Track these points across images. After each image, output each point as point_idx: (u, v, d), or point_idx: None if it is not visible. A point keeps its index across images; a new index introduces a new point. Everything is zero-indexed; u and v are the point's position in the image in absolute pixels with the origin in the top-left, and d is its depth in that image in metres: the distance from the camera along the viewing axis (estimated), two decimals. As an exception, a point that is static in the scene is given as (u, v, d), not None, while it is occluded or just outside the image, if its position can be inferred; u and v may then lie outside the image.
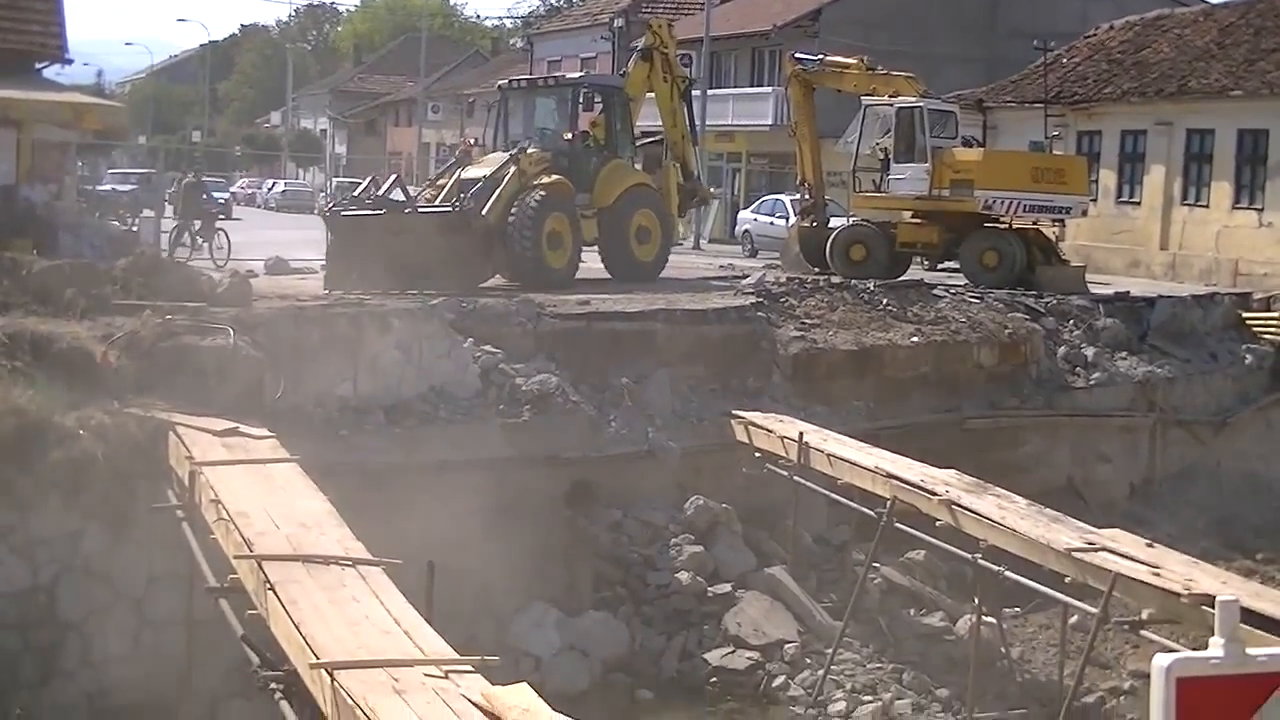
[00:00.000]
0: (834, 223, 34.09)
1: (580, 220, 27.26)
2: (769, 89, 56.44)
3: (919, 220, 32.25)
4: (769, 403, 22.25)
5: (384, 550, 12.40)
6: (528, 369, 20.64)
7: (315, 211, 49.03)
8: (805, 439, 19.90)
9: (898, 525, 18.04)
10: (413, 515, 17.46)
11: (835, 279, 27.82)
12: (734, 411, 21.60)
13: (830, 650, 18.45)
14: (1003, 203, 30.74)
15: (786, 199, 44.18)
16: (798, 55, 35.21)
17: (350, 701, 8.77)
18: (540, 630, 18.29)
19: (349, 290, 22.17)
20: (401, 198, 26.62)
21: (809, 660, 18.72)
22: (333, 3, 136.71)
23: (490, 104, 31.48)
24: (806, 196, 34.95)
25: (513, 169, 26.34)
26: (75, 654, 15.97)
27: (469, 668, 9.53)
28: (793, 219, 39.44)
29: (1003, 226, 31.25)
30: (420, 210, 25.96)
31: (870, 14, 52.81)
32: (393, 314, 19.95)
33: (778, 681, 18.40)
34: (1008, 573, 16.35)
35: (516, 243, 25.78)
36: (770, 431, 20.79)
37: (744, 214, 49.74)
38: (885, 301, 25.73)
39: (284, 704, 10.32)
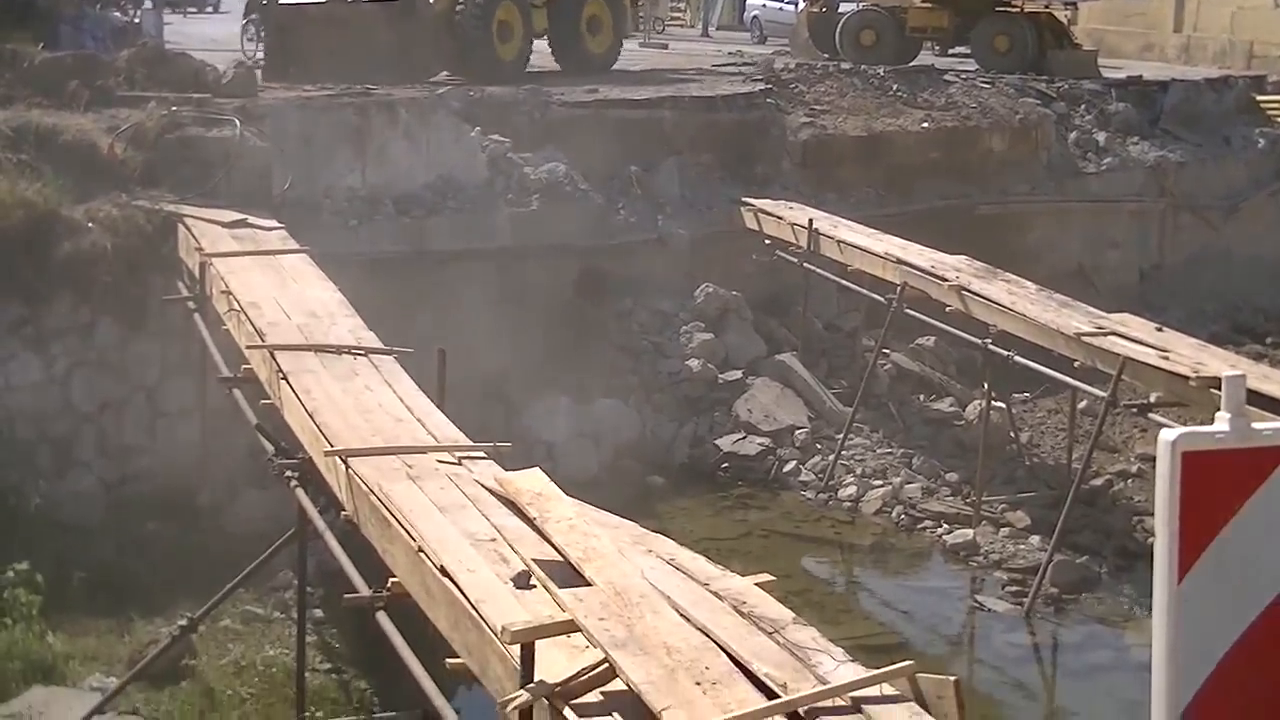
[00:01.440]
0: (844, 8, 33.63)
1: (531, 10, 25.67)
2: None
3: (930, 5, 31.79)
4: (779, 190, 22.16)
5: (395, 340, 12.44)
6: (536, 158, 20.51)
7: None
8: (815, 226, 19.85)
9: (908, 311, 18.08)
10: (423, 305, 17.52)
11: (845, 65, 27.55)
12: (743, 199, 21.51)
13: (840, 436, 18.59)
14: (1014, -15, 30.34)
15: (795, -16, 43.58)
16: None
17: (364, 488, 8.84)
18: (551, 417, 18.40)
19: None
20: None
21: (819, 446, 18.87)
22: None
23: None
24: (816, -20, 34.44)
25: None
26: (91, 445, 16.11)
27: (481, 454, 9.60)
28: (802, 4, 38.92)
29: (1015, 10, 30.81)
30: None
31: None
32: (400, 103, 19.78)
33: (788, 467, 18.57)
34: (1017, 357, 16.43)
35: (466, 33, 24.28)
36: (780, 219, 20.73)
37: (752, 0, 49.11)
38: (895, 87, 25.52)
39: (299, 491, 10.41)
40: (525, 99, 21.50)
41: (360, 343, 12.19)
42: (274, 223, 16.52)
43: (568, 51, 26.52)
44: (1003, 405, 18.38)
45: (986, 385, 17.74)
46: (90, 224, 16.02)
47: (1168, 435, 3.34)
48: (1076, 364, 15.68)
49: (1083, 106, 26.85)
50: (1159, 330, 15.64)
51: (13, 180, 15.72)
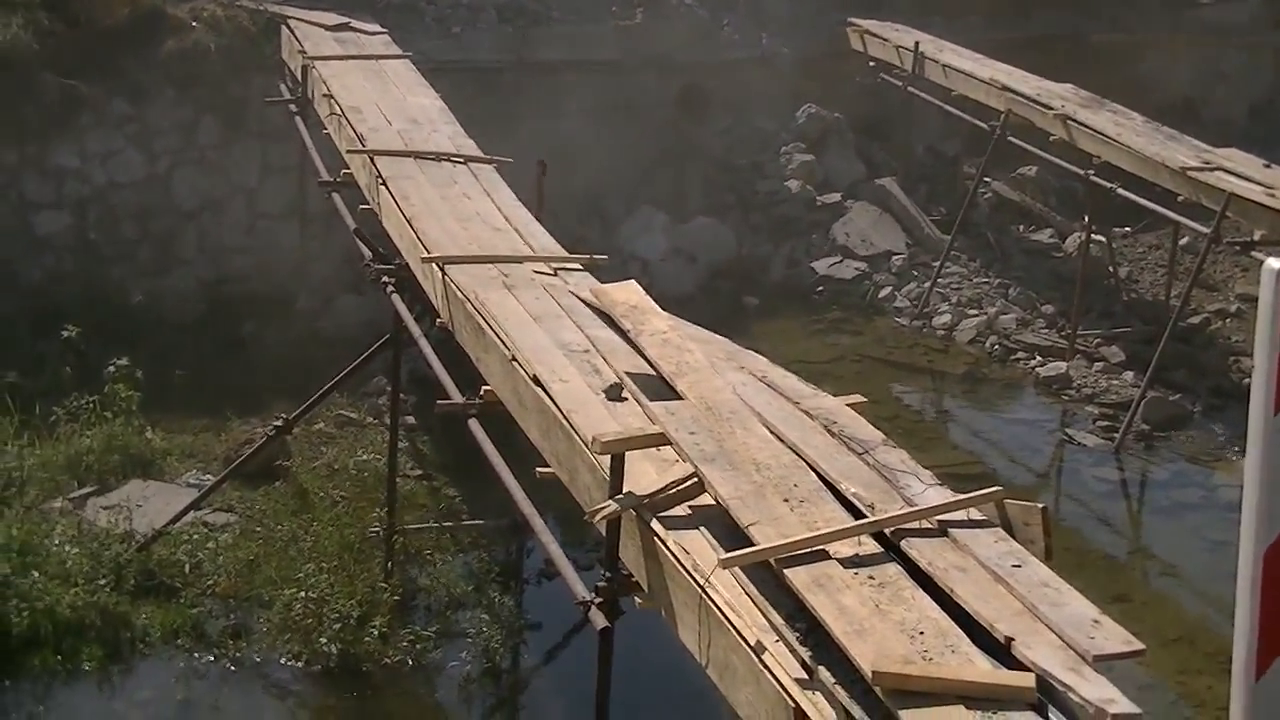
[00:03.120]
0: None
1: None
2: None
3: None
4: (886, 12, 21.77)
5: (495, 149, 12.41)
6: (642, -31, 20.28)
7: None
8: (921, 49, 19.57)
9: (1010, 139, 17.83)
10: (524, 115, 17.46)
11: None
12: (850, 19, 21.19)
13: (937, 263, 18.47)
14: None
15: None
16: None
17: (460, 295, 8.86)
18: (648, 233, 18.37)
19: None
20: None
21: (915, 272, 18.76)
22: None
23: None
24: None
25: None
26: (192, 243, 16.26)
27: (577, 266, 9.60)
28: None
29: None
30: None
31: None
32: (506, -91, 19.57)
33: (884, 292, 18.48)
34: (1120, 190, 16.21)
35: None
36: (886, 40, 20.44)
37: None
38: (1010, -92, 24.94)
39: (395, 297, 10.46)
40: (632, -91, 21.21)
41: (460, 151, 12.17)
42: (377, 27, 16.47)
43: None
44: (1102, 238, 18.18)
45: (1087, 217, 17.53)
46: (195, 23, 16.03)
47: (1274, 263, 3.28)
48: (1180, 199, 15.46)
49: (1202, -65, 26.16)
50: (1267, 167, 15.35)
51: (118, -25, 15.74)
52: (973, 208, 19.03)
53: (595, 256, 9.87)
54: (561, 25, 19.08)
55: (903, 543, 5.58)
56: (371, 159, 11.62)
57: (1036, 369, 16.94)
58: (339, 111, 13.00)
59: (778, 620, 5.24)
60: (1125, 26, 23.63)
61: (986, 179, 19.50)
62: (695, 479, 6.18)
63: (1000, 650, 4.84)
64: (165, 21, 15.95)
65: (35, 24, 14.91)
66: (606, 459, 6.33)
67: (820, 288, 18.56)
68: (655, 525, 6.07)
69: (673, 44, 19.76)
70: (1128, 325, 17.80)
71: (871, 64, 20.59)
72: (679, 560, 5.85)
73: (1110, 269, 18.62)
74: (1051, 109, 17.17)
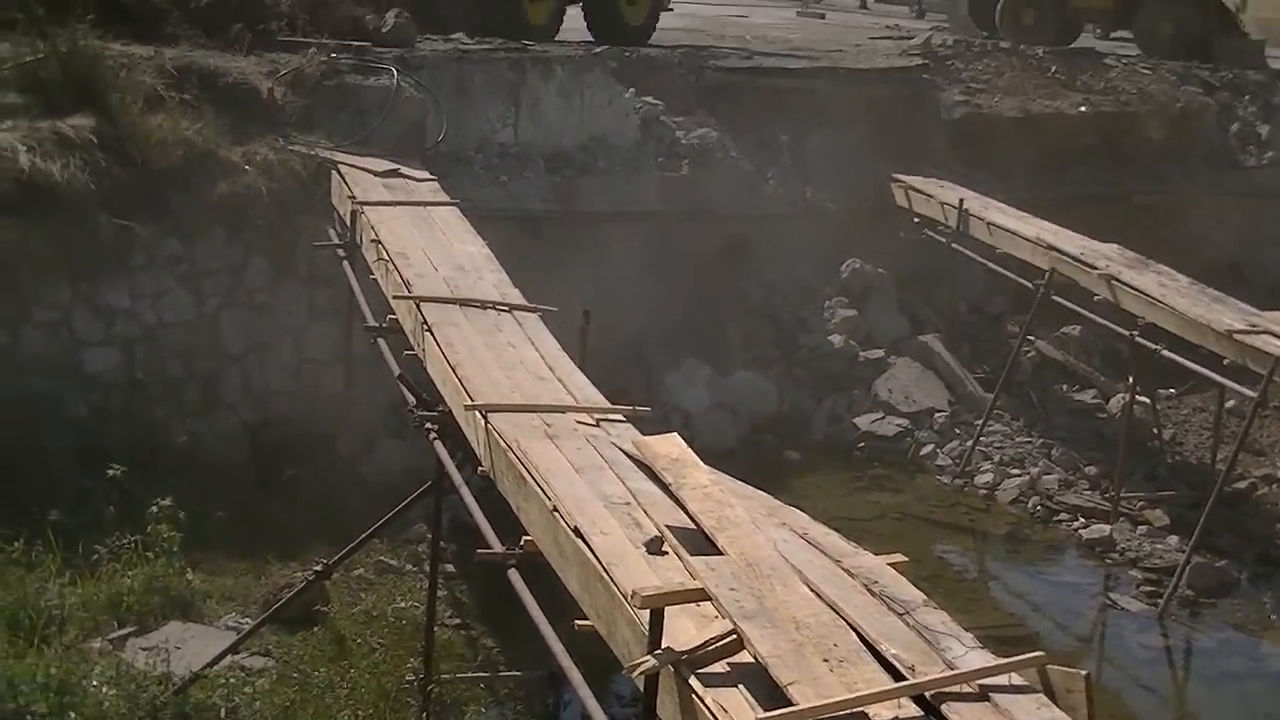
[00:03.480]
0: (1006, -15, 33.24)
1: None
2: None
3: (1094, -15, 31.34)
4: (930, 167, 21.92)
5: (540, 297, 12.46)
6: (688, 122, 20.49)
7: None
8: (965, 205, 19.67)
9: (1055, 298, 17.86)
10: (569, 264, 17.56)
11: (1004, 43, 27.22)
12: (894, 174, 21.33)
13: (980, 421, 18.42)
14: (1183, -30, 29.78)
15: (958, -41, 43.16)
16: None
17: (503, 444, 8.88)
18: (691, 386, 18.39)
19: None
20: None
21: (958, 430, 18.73)
22: None
23: None
24: (980, -41, 34.05)
25: None
26: (237, 385, 16.33)
27: (620, 417, 9.61)
28: (964, -18, 38.55)
29: (1182, -6, 30.28)
30: None
31: None
32: (556, 60, 19.83)
33: (926, 449, 18.43)
34: (1165, 351, 16.18)
35: None
36: (930, 196, 20.55)
37: (914, -26, 48.70)
38: (1054, 68, 25.14)
39: (437, 444, 10.48)
40: (680, 62, 21.47)
41: (505, 298, 12.23)
42: (426, 174, 16.62)
43: (603, 21, 24.34)
44: (1147, 400, 18.13)
45: (1131, 378, 17.48)
46: (247, 166, 16.21)
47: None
48: (1226, 361, 15.43)
49: (1247, 97, 26.26)
50: (1314, 331, 15.32)
51: (175, 119, 15.93)
52: (1016, 366, 19.02)
53: (638, 409, 9.88)
54: (608, 176, 19.27)
55: (943, 706, 5.53)
56: (417, 305, 11.69)
57: (1079, 531, 16.83)
58: (386, 257, 13.10)
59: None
60: (1171, 186, 23.74)
61: (1030, 337, 19.49)
62: (734, 636, 6.14)
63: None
64: (218, 164, 16.14)
65: (93, 164, 15.11)
66: (646, 613, 6.30)
67: (862, 444, 18.52)
68: (693, 682, 6.02)
69: (717, 196, 19.91)
70: (1172, 489, 17.69)
71: (916, 220, 20.68)
72: (717, 718, 5.79)
73: (1155, 431, 18.55)
74: (1096, 268, 17.20)
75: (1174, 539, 16.40)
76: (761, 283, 20.10)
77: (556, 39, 22.21)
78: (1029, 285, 18.28)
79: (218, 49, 17.74)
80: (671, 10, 27.22)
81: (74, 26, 16.23)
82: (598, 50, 20.92)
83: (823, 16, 39.06)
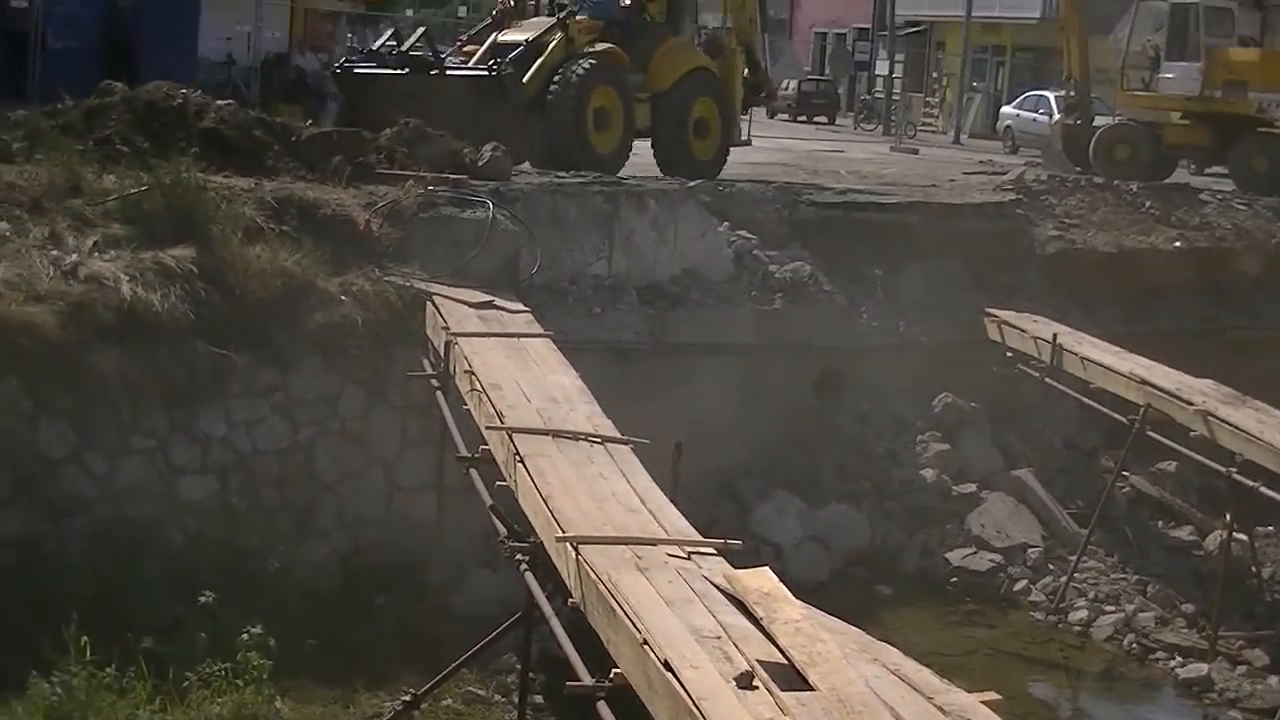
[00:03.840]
0: (1099, 121, 33.33)
1: (634, 102, 23.67)
2: (1039, -19, 55.22)
3: (1188, 121, 31.38)
4: (1023, 301, 21.89)
5: (632, 429, 12.51)
6: (781, 255, 20.56)
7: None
8: (1059, 340, 19.60)
9: (1150, 433, 17.71)
10: (661, 396, 17.60)
11: (1098, 178, 27.22)
12: (987, 309, 21.30)
13: (1074, 557, 18.22)
14: (1278, 106, 29.75)
15: (1051, 95, 43.32)
16: (1070, -54, 34.36)
17: (594, 576, 8.89)
18: (782, 518, 18.32)
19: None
20: (430, 56, 23.26)
21: (1052, 566, 18.51)
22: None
23: None
24: (1072, 93, 34.20)
25: (558, 35, 22.99)
26: (330, 513, 16.40)
27: (711, 550, 9.60)
28: (1056, 115, 38.71)
29: (1277, 131, 30.22)
30: (451, 71, 22.86)
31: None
32: (649, 193, 20.00)
33: (1019, 585, 18.23)
34: (1263, 489, 15.99)
35: (557, 116, 22.31)
36: (1023, 331, 20.50)
37: (1006, 109, 49.01)
38: (1148, 204, 25.12)
39: (528, 575, 10.50)
40: (774, 197, 21.60)
41: (597, 430, 12.29)
42: (520, 305, 16.76)
43: (672, 154, 24.23)
44: (1245, 537, 17.88)
45: (1229, 515, 17.27)
46: (343, 296, 16.39)
47: None
48: (1326, 499, 15.24)
49: (1342, 234, 26.13)
50: None
51: (274, 250, 16.15)
52: (1111, 502, 18.84)
53: (729, 542, 9.86)
54: (701, 308, 19.33)
55: None
56: (510, 436, 11.76)
57: (1176, 670, 16.56)
58: (480, 388, 13.20)
59: None
60: (1267, 322, 23.57)
61: (1125, 473, 19.34)
62: (827, 774, 6.09)
63: None
64: (315, 294, 16.33)
65: (193, 294, 15.34)
66: (736, 750, 6.27)
67: (954, 579, 18.36)
68: (785, 820, 5.97)
69: (810, 329, 19.94)
70: (1272, 628, 17.40)
71: (1009, 354, 20.62)
72: None
73: (1253, 569, 18.27)
74: (1192, 404, 17.07)
75: (1274, 679, 16.13)
76: (854, 416, 20.06)
77: (640, 175, 22.33)
78: (1124, 421, 18.15)
79: (317, 181, 18.01)
80: (748, 144, 27.43)
81: (177, 160, 16.55)
82: (691, 184, 21.07)
83: (916, 152, 39.34)
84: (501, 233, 18.02)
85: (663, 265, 19.66)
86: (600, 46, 23.31)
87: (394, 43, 23.79)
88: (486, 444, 12.41)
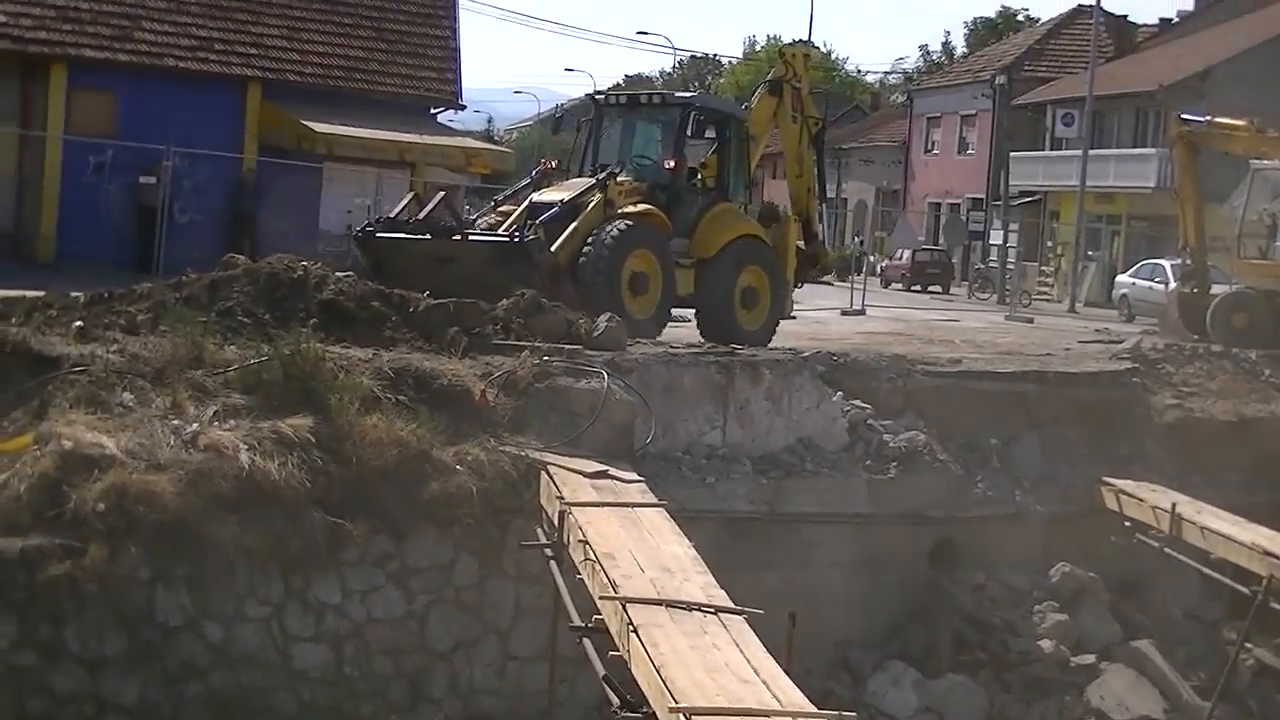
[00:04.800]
0: (1216, 289, 33.15)
1: (675, 267, 22.79)
2: (1152, 150, 55.36)
3: (1310, 290, 31.13)
4: (1141, 470, 21.69)
5: (745, 599, 12.47)
6: (896, 425, 20.53)
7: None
8: (1178, 510, 19.38)
9: (1274, 605, 17.42)
10: (775, 566, 17.54)
11: (1215, 347, 27.00)
12: (1104, 478, 21.12)
13: (1196, 729, 17.90)
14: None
15: (1166, 263, 43.20)
16: (1184, 116, 34.47)
17: (708, 748, 8.85)
18: (898, 690, 18.13)
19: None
20: (451, 221, 22.68)
21: (1173, 739, 18.20)
22: (716, 55, 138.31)
23: (579, 120, 25.92)
24: (1188, 261, 34.12)
25: (597, 197, 22.18)
26: (443, 682, 16.39)
27: (826, 722, 9.54)
28: (1172, 284, 38.56)
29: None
30: (471, 237, 21.98)
31: (1260, 73, 51.38)
32: (764, 364, 20.06)
33: (1139, 758, 17.93)
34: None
35: (589, 282, 21.30)
36: (1141, 500, 20.29)
37: (1122, 278, 48.83)
38: (1268, 372, 24.89)
39: (642, 745, 10.46)
40: (888, 366, 21.60)
41: (711, 600, 12.25)
42: (634, 475, 16.78)
43: (716, 323, 23.08)
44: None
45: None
46: (459, 466, 16.48)
47: None
48: None
49: None
50: None
51: (390, 420, 16.31)
52: (1234, 675, 18.50)
53: (844, 714, 9.78)
54: (815, 478, 19.29)
55: None
56: (623, 606, 11.75)
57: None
58: (593, 557, 13.21)
59: None
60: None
61: (1248, 645, 18.99)
62: None
63: None
64: (431, 464, 16.44)
65: (310, 463, 15.50)
66: None
67: (1074, 752, 18.06)
68: None
69: (925, 499, 19.85)
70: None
71: (1127, 523, 20.40)
72: None
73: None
74: (1316, 576, 16.80)
75: None
76: (970, 586, 19.88)
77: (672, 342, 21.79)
78: (1246, 592, 17.89)
79: (434, 352, 18.21)
80: (794, 319, 27.18)
81: (297, 331, 16.84)
82: (805, 354, 21.13)
83: (1031, 320, 39.25)
84: (616, 402, 18.09)
85: (777, 435, 19.67)
86: (639, 208, 22.59)
87: (415, 207, 23.08)
88: (600, 614, 12.40)
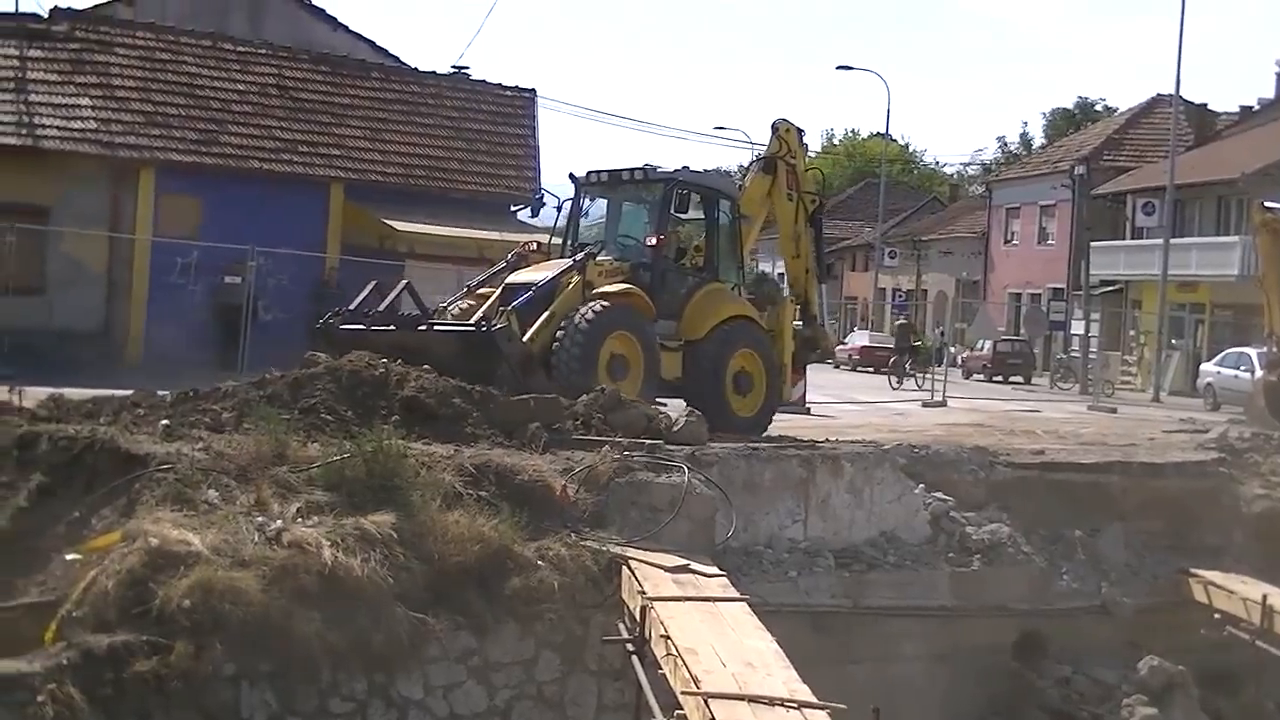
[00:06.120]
0: (1302, 377, 32.87)
1: (657, 348, 21.78)
2: (1235, 238, 55.03)
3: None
4: (1229, 562, 21.44)
5: (828, 694, 12.39)
6: (979, 517, 20.41)
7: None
8: (1269, 601, 19.15)
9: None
10: (858, 660, 17.43)
11: (1304, 436, 26.74)
12: (1191, 569, 20.90)
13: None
14: None
15: (1252, 351, 42.82)
16: (1267, 204, 34.29)
17: (791, 845, 8.79)
18: (984, 786, 17.96)
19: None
20: (414, 310, 22.17)
21: (1266, 839, 17.90)
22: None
23: (560, 201, 25.03)
24: (1274, 349, 33.82)
25: (575, 278, 21.41)
26: (526, 777, 16.36)
27: (911, 818, 9.46)
28: (1258, 372, 38.20)
29: None
30: (436, 328, 21.21)
31: (1345, 158, 51.15)
32: (845, 457, 20.01)
33: None
34: None
35: (565, 367, 20.59)
36: (1231, 592, 20.06)
37: (1206, 366, 48.43)
38: (1358, 457, 24.60)
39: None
40: (969, 458, 21.50)
41: (794, 696, 12.19)
42: (715, 569, 16.74)
43: (706, 410, 20.67)
44: None
45: None
46: (540, 561, 16.50)
47: None
48: None
49: None
50: None
51: (472, 516, 16.35)
52: (1329, 770, 18.20)
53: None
54: (898, 571, 19.19)
55: None
56: (705, 702, 11.72)
57: None
58: (675, 652, 13.18)
59: None
60: None
61: (1342, 739, 18.69)
62: None
63: None
64: (512, 559, 16.46)
65: (392, 559, 15.55)
66: None
67: None
68: None
69: (1009, 591, 19.70)
70: None
71: (1216, 615, 20.17)
72: None
73: None
74: None
75: None
76: (1056, 679, 19.67)
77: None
78: (1340, 685, 17.63)
79: (515, 447, 18.27)
80: (807, 412, 26.72)
81: (379, 428, 16.94)
82: (887, 447, 21.07)
83: (1114, 410, 38.96)
84: (697, 497, 18.07)
85: (859, 528, 19.60)
86: (618, 288, 21.68)
87: (375, 298, 22.26)
88: (682, 709, 12.36)
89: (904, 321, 59.21)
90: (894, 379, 50.68)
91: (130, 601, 14.08)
